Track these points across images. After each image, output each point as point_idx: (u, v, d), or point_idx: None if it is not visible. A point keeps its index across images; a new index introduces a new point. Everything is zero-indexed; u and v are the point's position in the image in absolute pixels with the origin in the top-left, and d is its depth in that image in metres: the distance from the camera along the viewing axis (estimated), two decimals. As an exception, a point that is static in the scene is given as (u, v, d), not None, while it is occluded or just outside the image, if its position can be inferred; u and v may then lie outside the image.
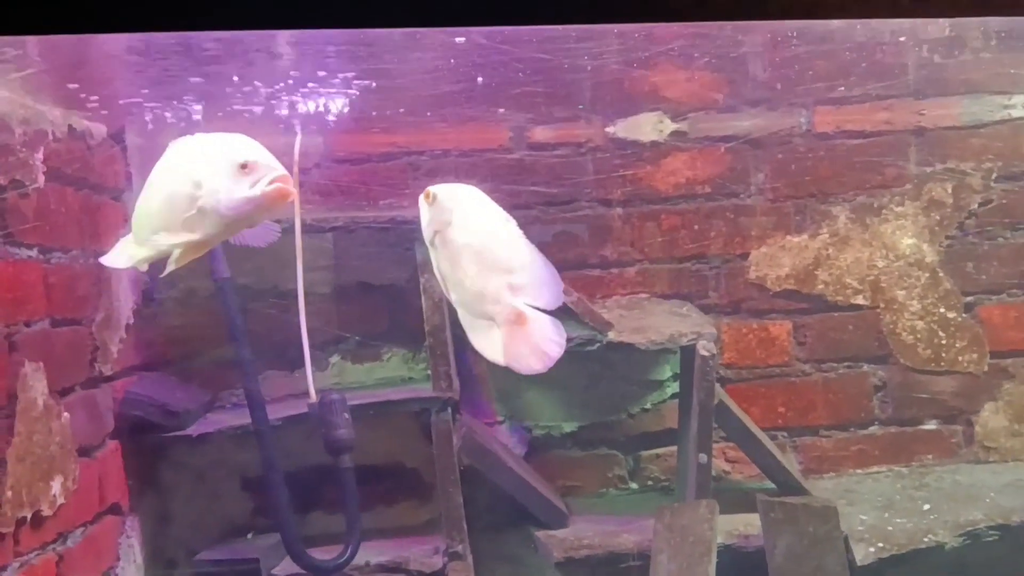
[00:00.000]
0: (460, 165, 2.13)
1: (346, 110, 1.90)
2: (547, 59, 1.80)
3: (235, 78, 1.64)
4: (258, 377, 1.82)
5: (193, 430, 1.85)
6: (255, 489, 2.03)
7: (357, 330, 2.11)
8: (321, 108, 1.88)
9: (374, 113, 2.01)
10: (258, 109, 1.78)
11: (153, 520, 1.97)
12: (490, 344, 1.30)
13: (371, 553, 1.88)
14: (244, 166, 1.25)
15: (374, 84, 1.77)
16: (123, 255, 1.40)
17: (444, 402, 1.87)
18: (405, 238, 1.96)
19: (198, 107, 1.74)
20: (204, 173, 1.27)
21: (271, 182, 1.26)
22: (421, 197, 1.33)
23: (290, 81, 1.71)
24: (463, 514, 1.88)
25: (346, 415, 1.78)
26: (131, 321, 1.93)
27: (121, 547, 1.80)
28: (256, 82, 1.68)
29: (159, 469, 2.00)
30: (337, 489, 1.83)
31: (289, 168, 1.94)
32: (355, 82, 1.77)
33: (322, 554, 1.81)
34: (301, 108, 1.84)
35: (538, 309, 1.29)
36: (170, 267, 1.35)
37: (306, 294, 1.89)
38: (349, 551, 1.77)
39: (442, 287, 1.36)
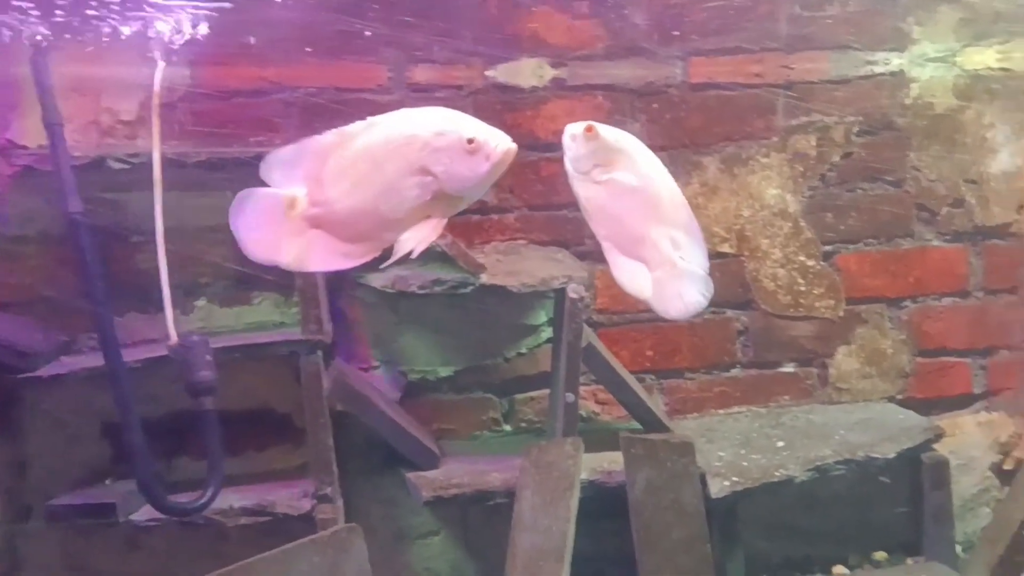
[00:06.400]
0: (336, 103, 2.07)
1: (213, 40, 1.82)
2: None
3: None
4: (111, 316, 1.74)
5: (44, 372, 1.78)
6: (116, 435, 1.97)
7: (225, 272, 2.05)
8: (185, 37, 1.80)
9: (243, 44, 1.94)
10: (113, 33, 1.69)
11: (5, 464, 1.89)
12: (636, 281, 1.40)
13: (237, 497, 1.86)
14: (471, 141, 1.27)
15: (241, 12, 1.71)
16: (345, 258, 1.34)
17: (313, 345, 1.85)
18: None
19: (44, 31, 1.63)
20: (431, 160, 1.27)
21: (496, 146, 1.28)
22: (578, 128, 1.38)
23: (150, 8, 1.63)
24: (333, 457, 1.87)
25: (208, 357, 1.74)
26: (-24, 257, 1.82)
27: (-32, 492, 1.73)
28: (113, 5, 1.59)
29: (11, 412, 1.92)
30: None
31: (149, 101, 1.91)
32: (222, 8, 1.70)
33: (189, 500, 1.77)
34: (161, 35, 1.76)
35: None
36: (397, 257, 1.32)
37: (170, 233, 1.83)
38: (210, 493, 1.74)
39: (587, 217, 1.41)
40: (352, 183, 1.30)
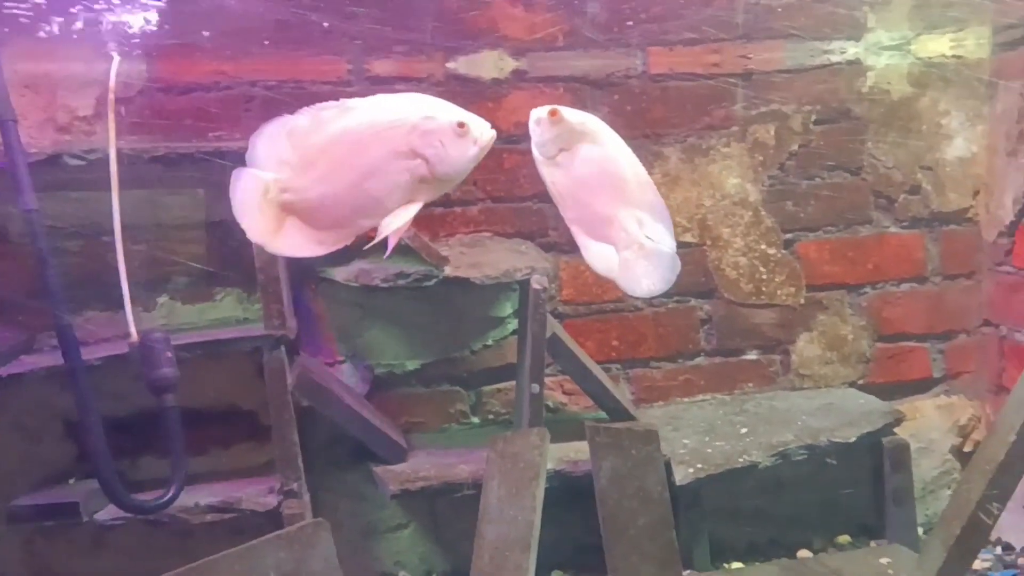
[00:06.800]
0: (296, 98, 2.06)
1: (170, 33, 1.81)
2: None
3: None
4: (69, 314, 1.72)
5: (3, 371, 1.76)
6: (78, 434, 1.95)
7: (187, 269, 2.04)
8: (141, 31, 1.78)
9: (201, 38, 1.92)
10: (67, 28, 1.67)
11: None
12: (604, 262, 1.42)
13: (203, 494, 1.85)
14: (462, 125, 1.30)
15: (198, 5, 1.69)
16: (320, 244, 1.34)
17: (276, 340, 1.84)
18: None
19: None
20: (420, 143, 1.29)
21: (482, 131, 1.31)
22: (543, 112, 1.39)
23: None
24: (298, 452, 1.86)
25: (169, 354, 1.73)
26: (-71, 257, 1.79)
27: (-74, 495, 1.70)
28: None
29: (-32, 414, 1.89)
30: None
31: (105, 95, 1.89)
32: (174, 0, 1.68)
33: (152, 498, 1.76)
34: (117, 29, 1.74)
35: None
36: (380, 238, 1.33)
37: (130, 230, 1.81)
38: (173, 490, 1.73)
39: (555, 201, 1.43)
40: (328, 169, 1.29)
